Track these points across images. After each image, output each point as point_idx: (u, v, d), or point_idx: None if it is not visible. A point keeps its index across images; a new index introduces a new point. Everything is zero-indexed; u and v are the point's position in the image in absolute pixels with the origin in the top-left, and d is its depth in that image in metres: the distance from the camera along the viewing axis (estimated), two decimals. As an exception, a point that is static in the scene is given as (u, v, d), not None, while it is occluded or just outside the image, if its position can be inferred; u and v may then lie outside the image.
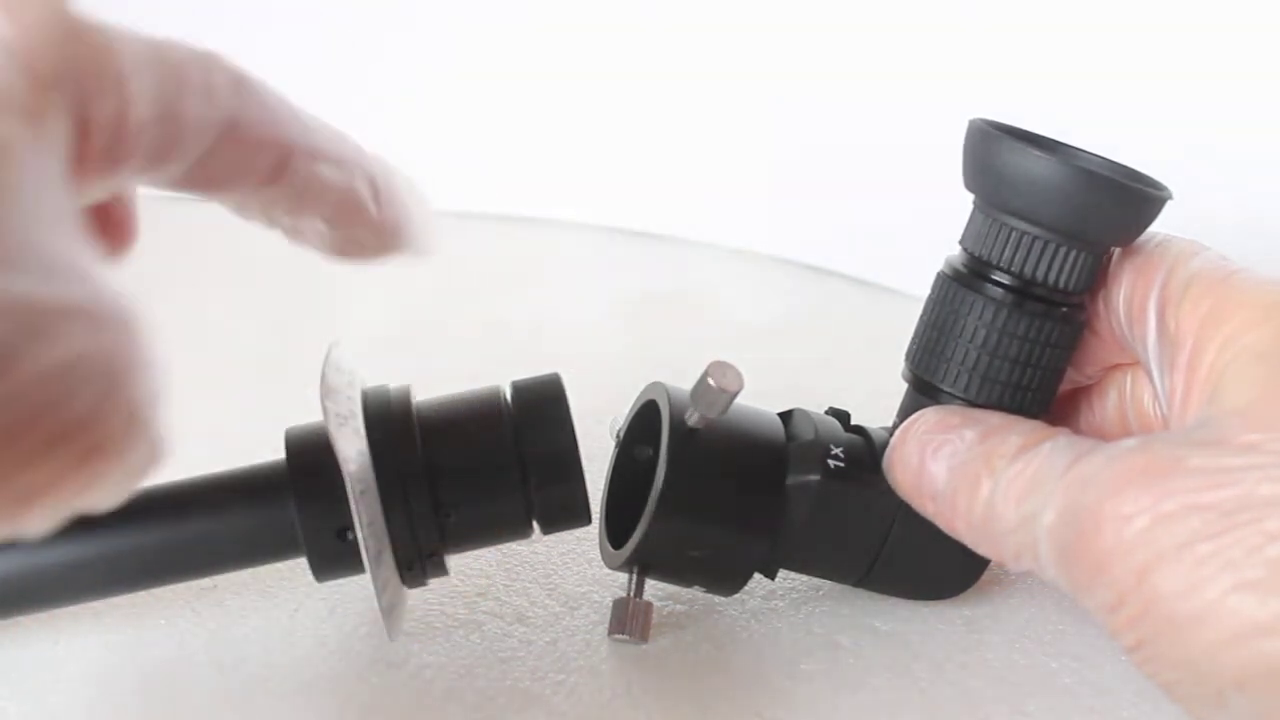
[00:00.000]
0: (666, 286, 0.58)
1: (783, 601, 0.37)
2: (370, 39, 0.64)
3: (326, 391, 0.32)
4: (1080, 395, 0.36)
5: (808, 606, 0.36)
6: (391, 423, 0.32)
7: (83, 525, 0.32)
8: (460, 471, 0.32)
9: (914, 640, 0.35)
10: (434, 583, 0.34)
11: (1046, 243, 0.31)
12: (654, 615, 0.34)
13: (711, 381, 0.31)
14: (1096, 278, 0.32)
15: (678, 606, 0.36)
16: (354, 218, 0.28)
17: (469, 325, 0.55)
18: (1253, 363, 0.28)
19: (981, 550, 0.31)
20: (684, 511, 0.32)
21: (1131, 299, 0.32)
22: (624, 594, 0.34)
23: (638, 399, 0.35)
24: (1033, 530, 0.29)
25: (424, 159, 0.67)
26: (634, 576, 0.34)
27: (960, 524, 0.31)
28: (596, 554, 0.38)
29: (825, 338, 0.52)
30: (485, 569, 0.38)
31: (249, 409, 0.47)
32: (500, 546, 0.37)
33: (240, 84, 0.25)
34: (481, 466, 0.33)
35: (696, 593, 0.37)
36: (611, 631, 0.34)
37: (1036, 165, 0.30)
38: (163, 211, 0.69)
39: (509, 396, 0.34)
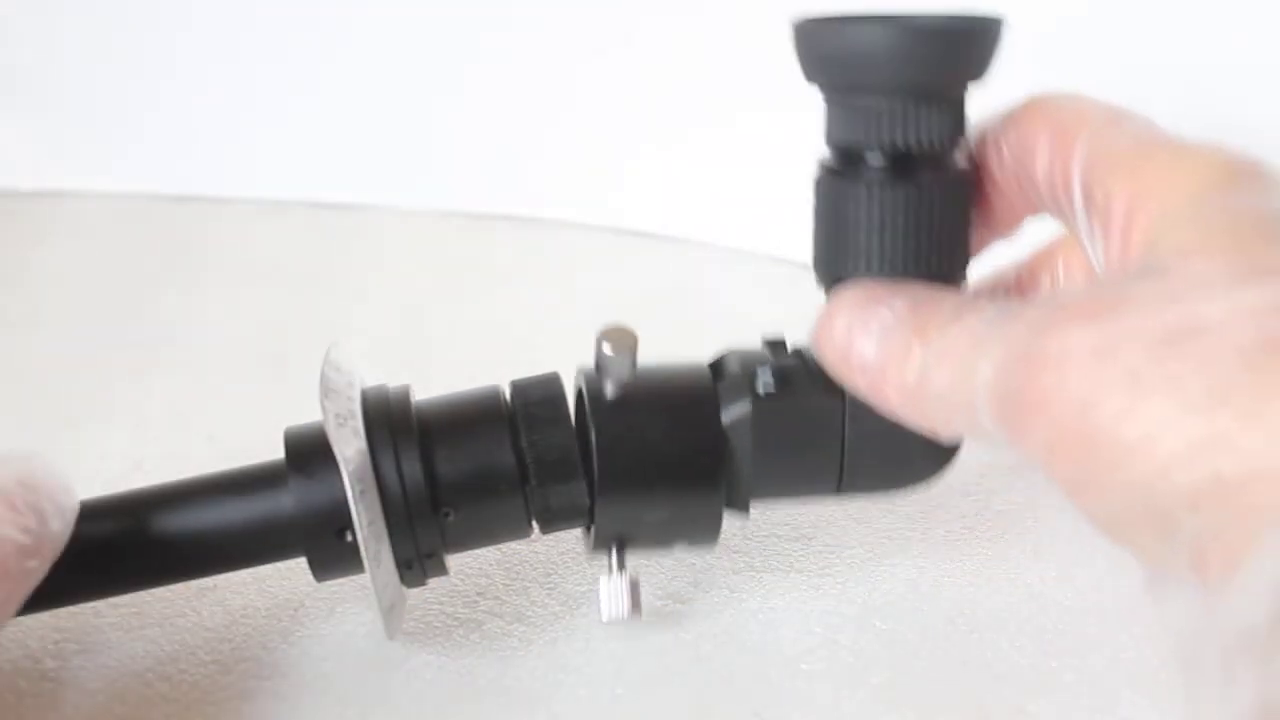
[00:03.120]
0: (666, 286, 0.58)
1: (782, 601, 0.37)
2: (370, 39, 0.64)
3: (326, 391, 0.32)
4: (1013, 291, 0.36)
5: (807, 606, 0.36)
6: (391, 422, 0.32)
7: (83, 526, 0.32)
8: (460, 471, 0.32)
9: (913, 639, 0.35)
10: (434, 582, 0.34)
11: (894, 107, 0.30)
12: (641, 590, 0.34)
13: (607, 348, 0.31)
14: (964, 122, 0.32)
15: (678, 606, 0.36)
16: None
17: (469, 325, 0.55)
18: (1187, 208, 0.27)
19: (912, 420, 0.30)
20: (626, 482, 0.33)
21: (1052, 172, 0.30)
22: (607, 574, 0.34)
23: (574, 385, 0.35)
24: (969, 388, 0.28)
25: (424, 159, 0.67)
26: (612, 554, 0.34)
27: (892, 394, 0.30)
28: (596, 554, 0.38)
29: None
30: (485, 569, 0.38)
31: (249, 409, 0.47)
32: (500, 546, 0.37)
33: None
34: (481, 466, 0.33)
35: (697, 592, 0.37)
36: (604, 615, 0.34)
37: (855, 35, 0.30)
38: (163, 212, 0.70)
39: (509, 396, 0.34)
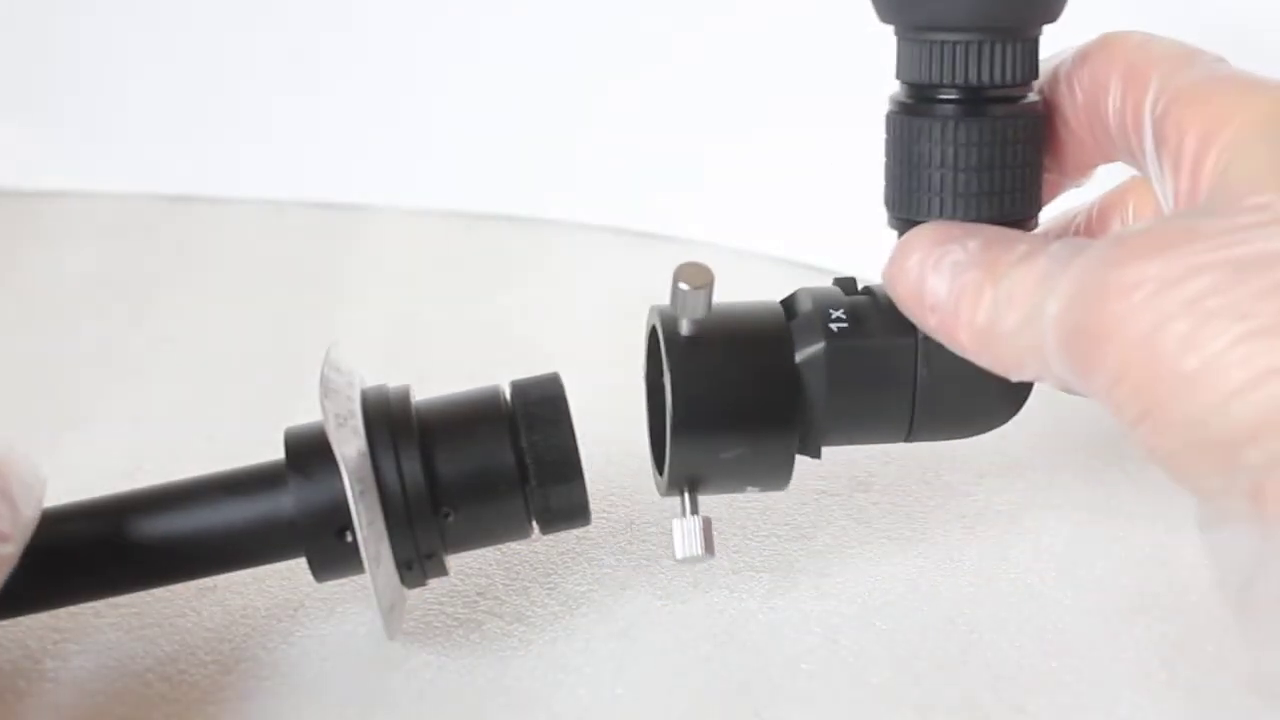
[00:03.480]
0: (666, 286, 0.58)
1: (782, 601, 0.37)
2: (369, 39, 0.64)
3: (326, 391, 0.32)
4: (1082, 232, 0.36)
5: (807, 606, 0.36)
6: (391, 422, 0.32)
7: (83, 526, 0.32)
8: (460, 471, 0.32)
9: (914, 639, 0.35)
10: (434, 582, 0.34)
11: (969, 44, 0.31)
12: (713, 528, 0.34)
13: (683, 285, 0.31)
14: (1038, 62, 0.32)
15: (678, 606, 0.36)
16: None
17: (469, 325, 0.55)
18: (1259, 138, 0.27)
19: (984, 361, 0.30)
20: (700, 420, 0.33)
21: (1124, 110, 0.31)
22: (680, 516, 0.34)
23: (647, 325, 0.35)
24: (1038, 327, 0.28)
25: (424, 159, 0.67)
26: (684, 496, 0.34)
27: (963, 334, 0.30)
28: (596, 554, 0.38)
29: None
30: (485, 569, 0.38)
31: (249, 409, 0.47)
32: (500, 546, 0.37)
33: None
34: (481, 466, 0.33)
35: (697, 593, 0.37)
36: (678, 553, 0.33)
37: None
38: (163, 212, 0.70)
39: (509, 396, 0.34)
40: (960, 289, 0.30)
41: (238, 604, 0.37)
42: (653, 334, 0.34)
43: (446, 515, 0.33)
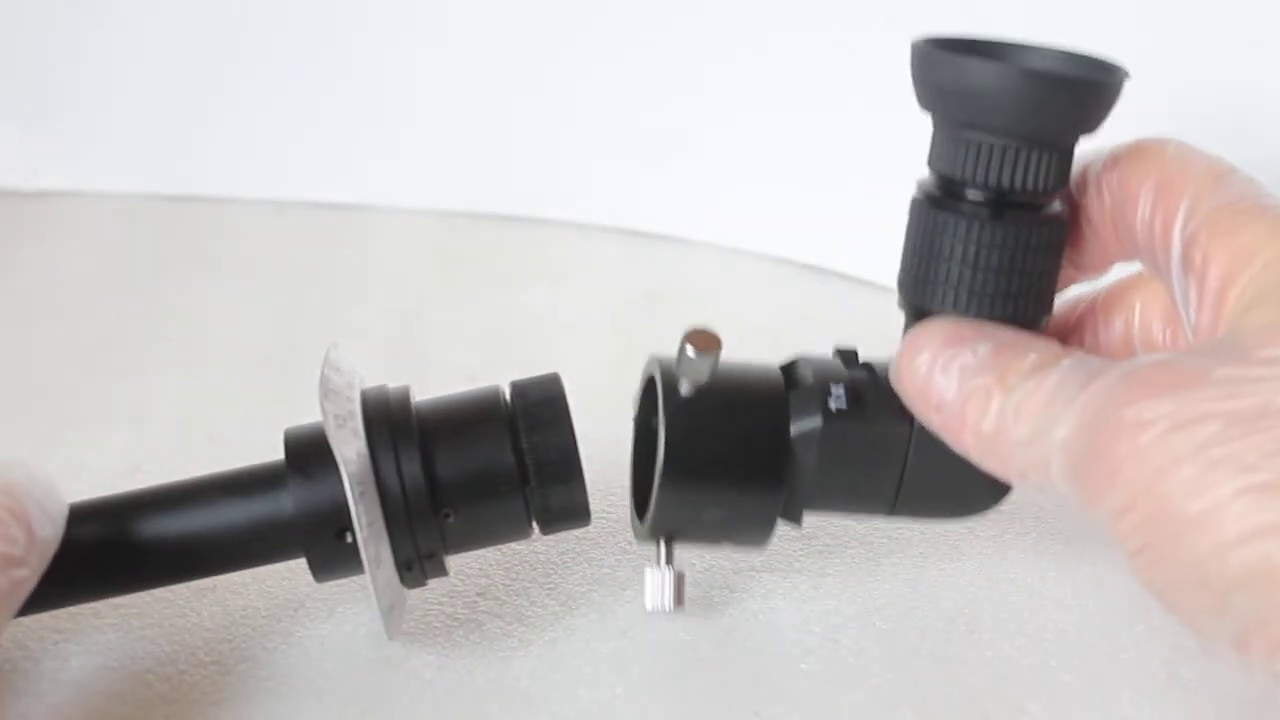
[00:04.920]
0: (666, 286, 0.58)
1: (782, 601, 0.37)
2: (370, 39, 0.64)
3: (325, 392, 0.32)
4: (1085, 320, 0.36)
5: (808, 606, 0.36)
6: (391, 423, 0.32)
7: (83, 526, 0.32)
8: (459, 472, 0.32)
9: (914, 639, 0.35)
10: (434, 583, 0.34)
11: (1006, 149, 0.31)
12: (685, 583, 0.34)
13: (690, 351, 0.31)
14: (1071, 171, 0.32)
15: (678, 606, 0.36)
16: None
17: (469, 325, 0.55)
18: (1277, 288, 0.28)
19: (987, 466, 0.31)
20: (689, 477, 0.33)
21: (1152, 224, 0.31)
22: (654, 565, 0.34)
23: (643, 374, 0.35)
24: (1045, 445, 0.28)
25: (425, 159, 0.67)
26: (661, 546, 0.34)
27: (968, 437, 0.30)
28: (596, 554, 0.38)
29: (825, 337, 0.52)
30: (485, 569, 0.38)
31: (249, 409, 0.47)
32: (500, 546, 0.37)
33: None
34: (481, 467, 0.33)
35: (697, 592, 0.37)
36: (648, 604, 0.34)
37: (980, 74, 0.30)
38: (163, 212, 0.70)
39: (508, 396, 0.34)
40: (968, 393, 0.30)
41: (238, 604, 0.37)
42: (649, 384, 0.34)
43: (446, 516, 0.33)
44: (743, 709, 0.33)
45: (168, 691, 0.33)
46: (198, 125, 0.67)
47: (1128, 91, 0.31)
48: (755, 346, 0.51)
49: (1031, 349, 0.30)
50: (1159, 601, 0.27)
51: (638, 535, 0.35)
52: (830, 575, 0.38)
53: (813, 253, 0.59)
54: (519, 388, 0.34)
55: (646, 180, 0.62)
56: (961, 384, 0.30)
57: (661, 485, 0.32)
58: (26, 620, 0.34)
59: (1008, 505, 0.40)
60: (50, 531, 0.31)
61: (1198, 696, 0.33)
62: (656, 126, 0.61)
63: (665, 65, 0.60)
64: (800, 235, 0.59)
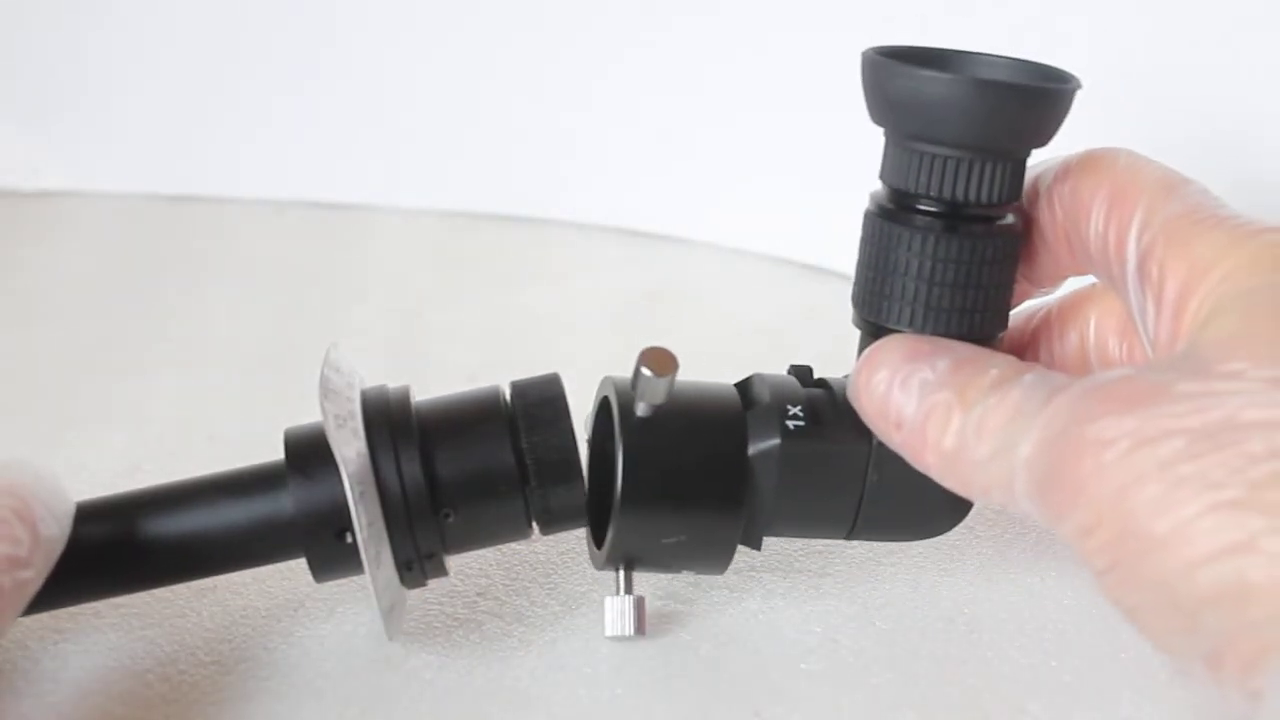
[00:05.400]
0: (666, 286, 0.58)
1: (782, 601, 0.37)
2: (370, 39, 0.64)
3: (325, 392, 0.32)
4: (1040, 334, 0.36)
5: (808, 606, 0.36)
6: (390, 423, 0.32)
7: (82, 527, 0.32)
8: (459, 472, 0.32)
9: (914, 639, 0.35)
10: (434, 583, 0.34)
11: (959, 161, 0.30)
12: (646, 607, 0.34)
13: (646, 371, 0.31)
14: (1031, 179, 0.32)
15: (678, 606, 0.36)
16: None
17: (469, 325, 0.55)
18: (1239, 298, 0.27)
19: (948, 483, 0.30)
20: (647, 503, 0.32)
21: (1106, 236, 0.31)
22: (614, 593, 0.34)
23: (596, 395, 0.35)
24: (1008, 462, 0.28)
25: (424, 159, 0.67)
26: (620, 573, 0.34)
27: (929, 455, 0.30)
28: (596, 554, 0.38)
29: (825, 338, 0.52)
30: (485, 569, 0.38)
31: (249, 409, 0.47)
32: (500, 546, 0.37)
33: None
34: (481, 467, 0.33)
35: (697, 592, 0.37)
36: (608, 631, 0.34)
37: (930, 85, 0.30)
38: (162, 212, 0.70)
39: (508, 397, 0.34)
40: (928, 410, 0.30)
41: (238, 604, 0.37)
42: (603, 405, 0.34)
43: (446, 516, 0.33)
44: (743, 709, 0.33)
45: (168, 691, 0.33)
46: (198, 125, 0.67)
47: (1091, 105, 0.31)
48: (755, 346, 0.51)
49: (992, 364, 0.30)
50: (1128, 620, 0.27)
51: (595, 563, 0.35)
52: (830, 575, 0.38)
53: (813, 253, 0.59)
54: (519, 388, 0.34)
55: (646, 180, 0.62)
56: (921, 400, 0.30)
57: (620, 511, 0.32)
58: (26, 620, 0.34)
59: (1008, 505, 0.41)
60: (56, 531, 0.31)
61: (1198, 696, 0.33)
62: (656, 126, 0.61)
63: (665, 65, 0.60)
64: (800, 235, 0.59)
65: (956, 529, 0.39)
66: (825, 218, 0.58)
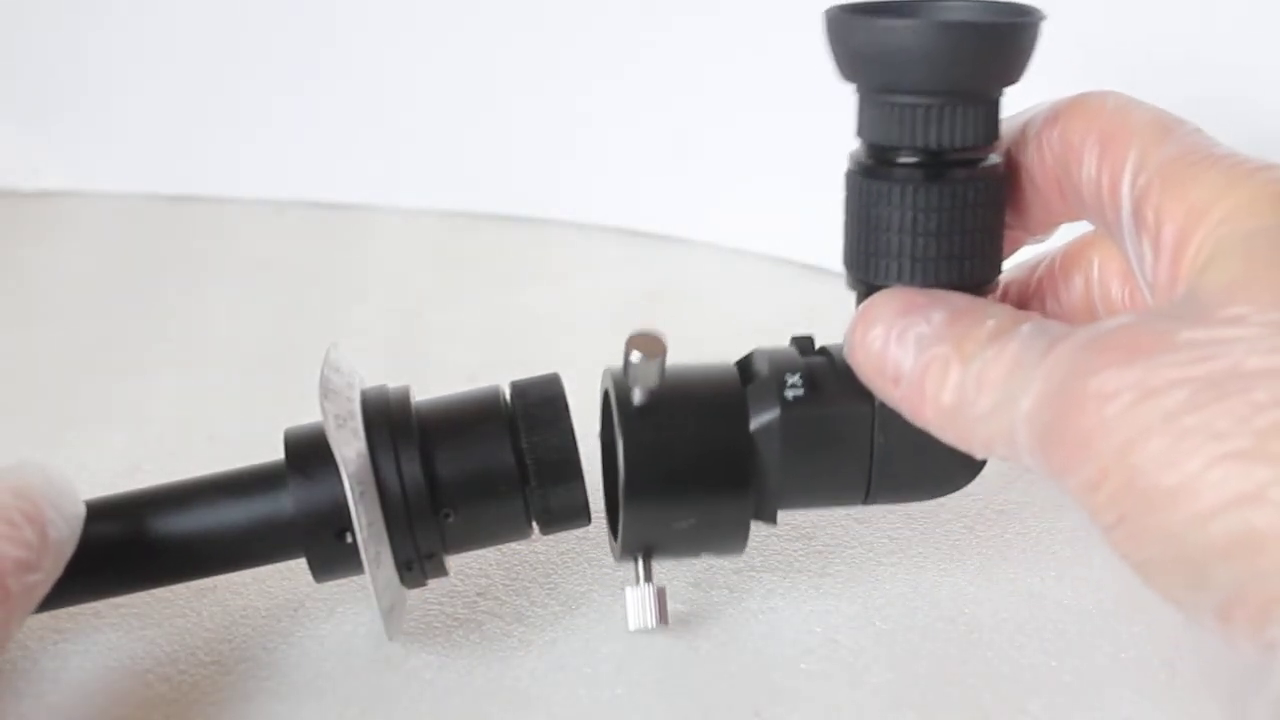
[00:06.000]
0: (666, 286, 0.58)
1: (783, 600, 0.37)
2: (370, 39, 0.64)
3: (325, 392, 0.32)
4: (1045, 283, 0.36)
5: (808, 605, 0.36)
6: (390, 423, 0.32)
7: (84, 526, 0.32)
8: (459, 472, 0.32)
9: (914, 639, 0.35)
10: (434, 583, 0.34)
11: (929, 108, 0.30)
12: (667, 597, 0.34)
13: (634, 356, 0.31)
14: (999, 124, 0.31)
15: (678, 606, 0.36)
16: None
17: (469, 325, 0.55)
18: (1239, 241, 0.27)
19: (948, 438, 0.30)
20: (653, 489, 0.32)
21: (1099, 181, 0.30)
22: (634, 584, 0.34)
23: (601, 385, 0.35)
24: (1009, 416, 0.28)
25: (425, 159, 0.67)
26: (638, 563, 0.33)
27: (929, 410, 0.29)
28: (596, 554, 0.38)
29: (825, 338, 0.52)
30: (485, 569, 0.38)
31: (249, 409, 0.47)
32: (500, 546, 0.37)
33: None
34: (481, 467, 0.33)
35: (697, 592, 0.37)
36: (631, 624, 0.33)
37: (891, 35, 0.29)
38: (162, 212, 0.70)
39: (508, 397, 0.34)
40: (926, 364, 0.29)
41: (238, 604, 0.37)
42: (606, 398, 0.34)
43: (446, 516, 0.33)
44: (743, 709, 0.33)
45: (168, 691, 0.33)
46: (198, 125, 0.67)
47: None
48: (756, 346, 0.51)
49: (989, 314, 0.29)
50: (1137, 575, 0.27)
51: (615, 555, 0.34)
52: (830, 575, 0.38)
53: (813, 253, 0.59)
54: (519, 388, 0.34)
55: (646, 180, 0.62)
56: (919, 354, 0.29)
57: (627, 500, 0.32)
58: (27, 620, 0.34)
59: (1008, 505, 0.41)
60: (66, 534, 0.31)
61: (1198, 696, 0.33)
62: (657, 127, 0.61)
63: (666, 65, 0.60)
64: (800, 235, 0.59)
65: (957, 528, 0.40)
66: (825, 218, 0.58)
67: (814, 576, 0.38)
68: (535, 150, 0.64)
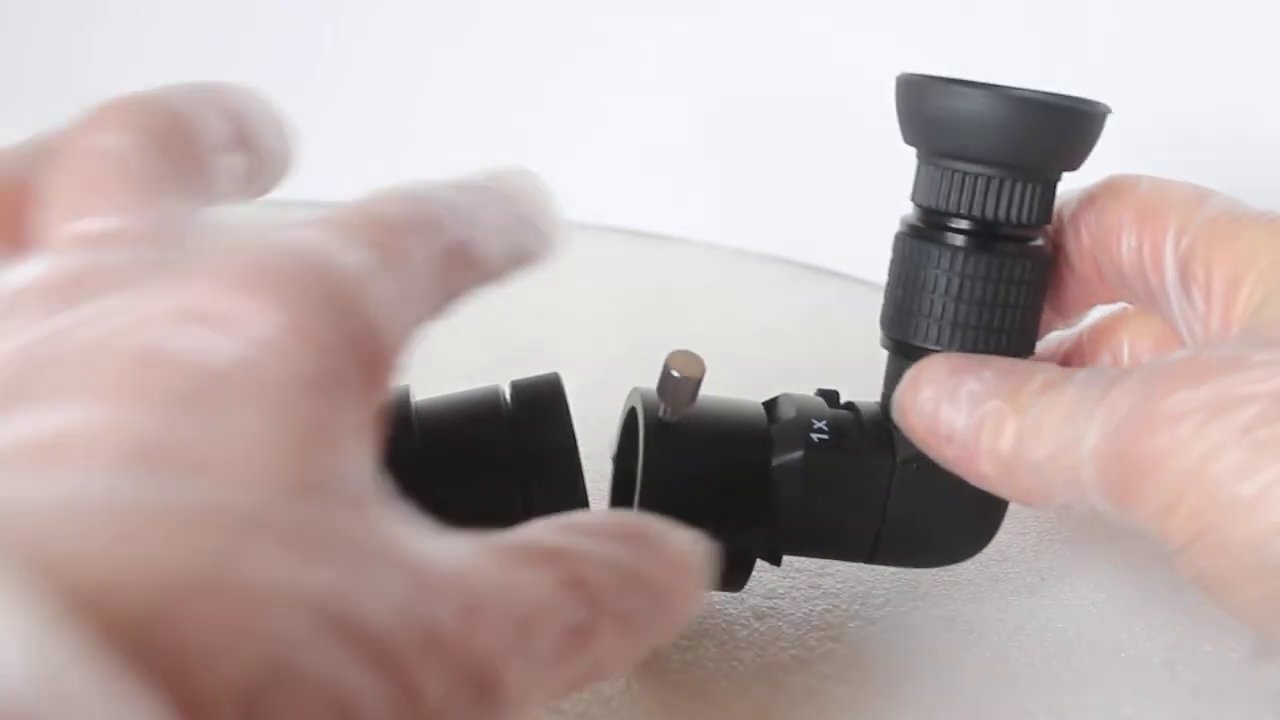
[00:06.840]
0: (666, 286, 0.58)
1: (784, 600, 0.37)
2: (370, 39, 0.64)
3: (326, 392, 0.32)
4: (1070, 361, 0.36)
5: (809, 605, 0.36)
6: (390, 423, 0.32)
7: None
8: (459, 472, 0.32)
9: (914, 638, 0.35)
10: (434, 583, 0.34)
11: (990, 179, 0.31)
12: None
13: (674, 372, 0.31)
14: (1054, 210, 0.32)
15: (678, 606, 0.36)
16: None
17: (469, 325, 0.55)
18: None
19: (1007, 490, 0.30)
20: (668, 507, 0.32)
21: (1140, 251, 0.31)
22: None
23: (623, 411, 0.35)
24: (1071, 456, 0.28)
25: (425, 159, 0.67)
26: None
27: (985, 465, 0.30)
28: (596, 554, 0.38)
29: (825, 338, 0.52)
30: (485, 569, 0.38)
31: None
32: (500, 546, 0.37)
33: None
34: (481, 467, 0.33)
35: (696, 592, 0.37)
36: None
37: (966, 102, 0.30)
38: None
39: (508, 396, 0.34)
40: (980, 419, 0.30)
41: (238, 604, 0.36)
42: (630, 415, 0.34)
43: (446, 515, 0.32)
44: (743, 709, 0.33)
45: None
46: (198, 125, 0.67)
47: (1122, 138, 0.31)
48: (756, 347, 0.51)
49: (1038, 369, 0.30)
50: (1210, 595, 0.27)
51: None
52: (830, 575, 0.38)
53: (813, 253, 0.59)
54: (519, 388, 0.34)
55: (646, 180, 0.62)
56: (971, 411, 0.30)
57: (641, 509, 0.32)
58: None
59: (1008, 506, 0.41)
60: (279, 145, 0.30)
61: (1198, 696, 0.33)
62: (657, 127, 0.61)
63: (666, 65, 0.60)
64: (800, 235, 0.59)
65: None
66: (825, 218, 0.58)
67: (814, 576, 0.38)
68: (535, 150, 0.64)
